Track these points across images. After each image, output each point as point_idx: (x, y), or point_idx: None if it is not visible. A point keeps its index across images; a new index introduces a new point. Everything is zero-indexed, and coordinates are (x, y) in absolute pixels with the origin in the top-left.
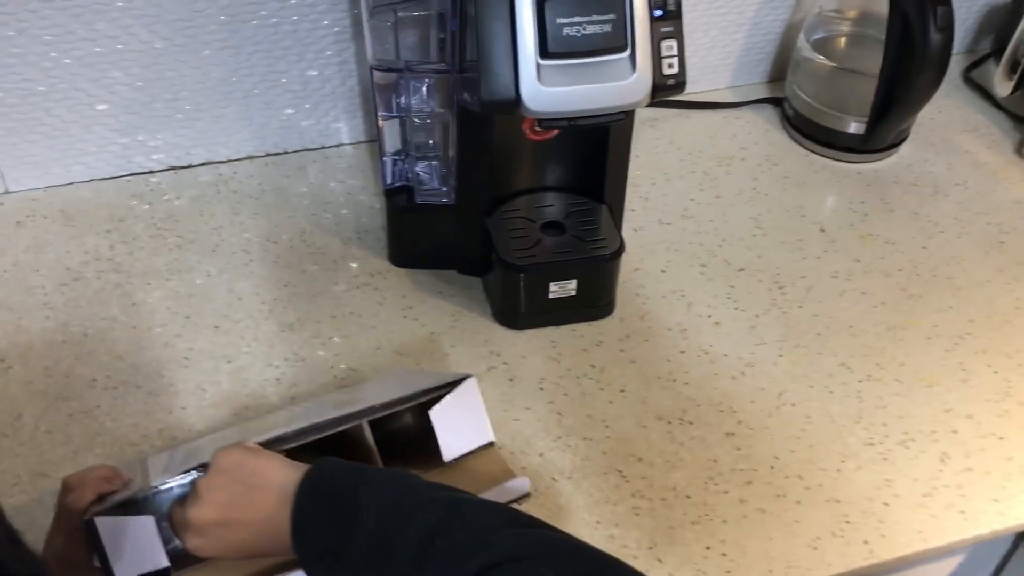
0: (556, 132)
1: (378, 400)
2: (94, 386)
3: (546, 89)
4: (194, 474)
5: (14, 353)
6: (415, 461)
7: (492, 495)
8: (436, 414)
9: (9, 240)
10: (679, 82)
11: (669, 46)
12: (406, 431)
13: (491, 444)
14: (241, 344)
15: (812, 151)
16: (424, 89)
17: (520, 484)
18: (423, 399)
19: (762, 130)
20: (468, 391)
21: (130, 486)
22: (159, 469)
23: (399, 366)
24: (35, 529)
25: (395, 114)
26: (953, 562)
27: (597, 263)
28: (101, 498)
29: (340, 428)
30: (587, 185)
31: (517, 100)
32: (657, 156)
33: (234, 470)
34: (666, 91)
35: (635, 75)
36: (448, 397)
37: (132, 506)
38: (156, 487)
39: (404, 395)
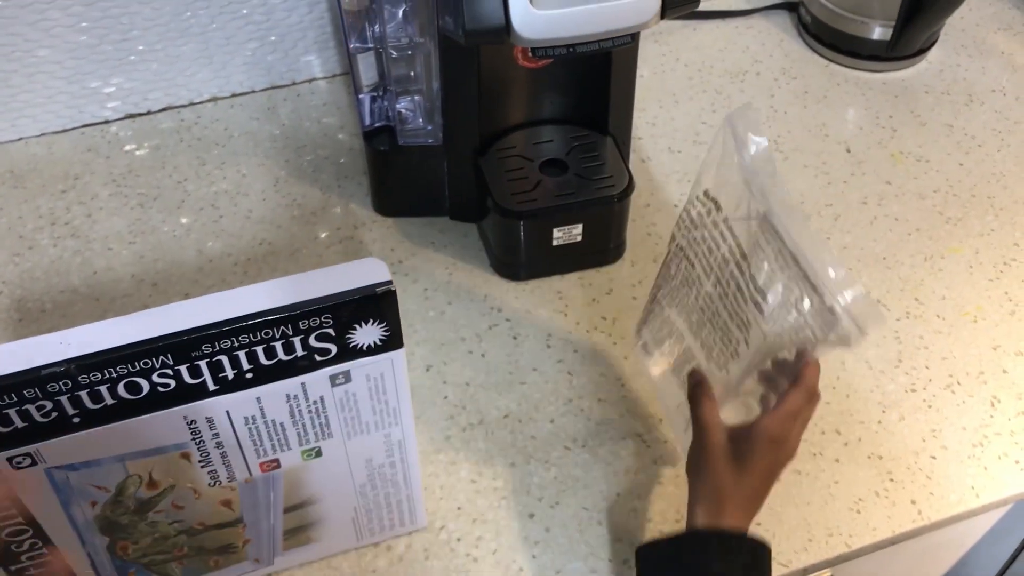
0: (551, 59)
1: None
2: None
3: (540, 12)
4: None
5: None
6: None
7: None
8: None
9: None
10: None
11: None
12: None
13: None
14: None
15: (832, 61)
16: (400, 15)
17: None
18: None
19: (777, 40)
20: None
21: None
22: None
23: None
24: None
25: (369, 45)
26: (999, 513)
27: (605, 204)
28: None
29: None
30: (589, 115)
31: (507, 27)
32: (663, 75)
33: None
34: (678, 7)
35: None
36: None
37: None
38: None
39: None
